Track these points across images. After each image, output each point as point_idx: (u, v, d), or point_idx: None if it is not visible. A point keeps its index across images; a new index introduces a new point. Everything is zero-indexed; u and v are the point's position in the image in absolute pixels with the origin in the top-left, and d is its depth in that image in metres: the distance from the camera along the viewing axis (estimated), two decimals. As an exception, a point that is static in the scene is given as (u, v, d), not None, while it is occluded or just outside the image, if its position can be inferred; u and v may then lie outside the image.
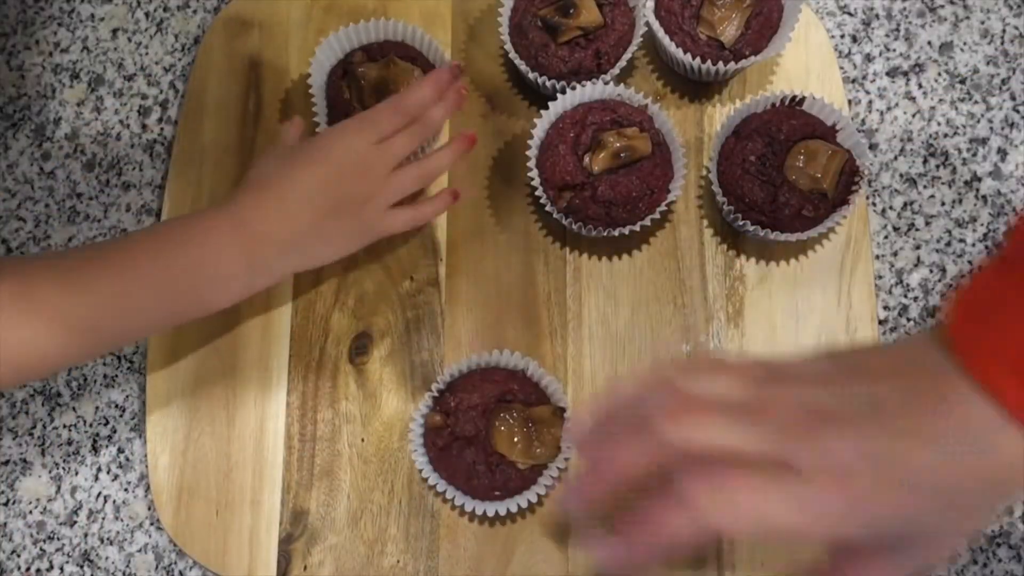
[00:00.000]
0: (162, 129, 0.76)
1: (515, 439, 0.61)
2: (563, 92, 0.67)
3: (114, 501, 0.68)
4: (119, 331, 0.59)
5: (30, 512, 0.68)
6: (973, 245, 0.69)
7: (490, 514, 0.61)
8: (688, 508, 0.38)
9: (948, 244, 0.69)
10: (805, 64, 0.72)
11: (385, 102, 0.63)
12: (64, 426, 0.70)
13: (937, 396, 0.38)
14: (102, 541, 0.67)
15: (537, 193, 0.66)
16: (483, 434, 0.61)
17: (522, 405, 0.62)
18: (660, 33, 0.68)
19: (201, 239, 0.59)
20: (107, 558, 0.67)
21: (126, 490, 0.68)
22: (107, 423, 0.70)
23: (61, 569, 0.67)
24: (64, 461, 0.69)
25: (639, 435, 0.40)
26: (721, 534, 0.41)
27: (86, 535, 0.68)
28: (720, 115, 0.71)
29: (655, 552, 0.40)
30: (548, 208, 0.66)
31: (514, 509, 0.61)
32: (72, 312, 0.55)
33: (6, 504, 0.68)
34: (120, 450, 0.69)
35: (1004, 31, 0.73)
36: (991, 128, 0.71)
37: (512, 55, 0.69)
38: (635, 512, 0.39)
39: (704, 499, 0.38)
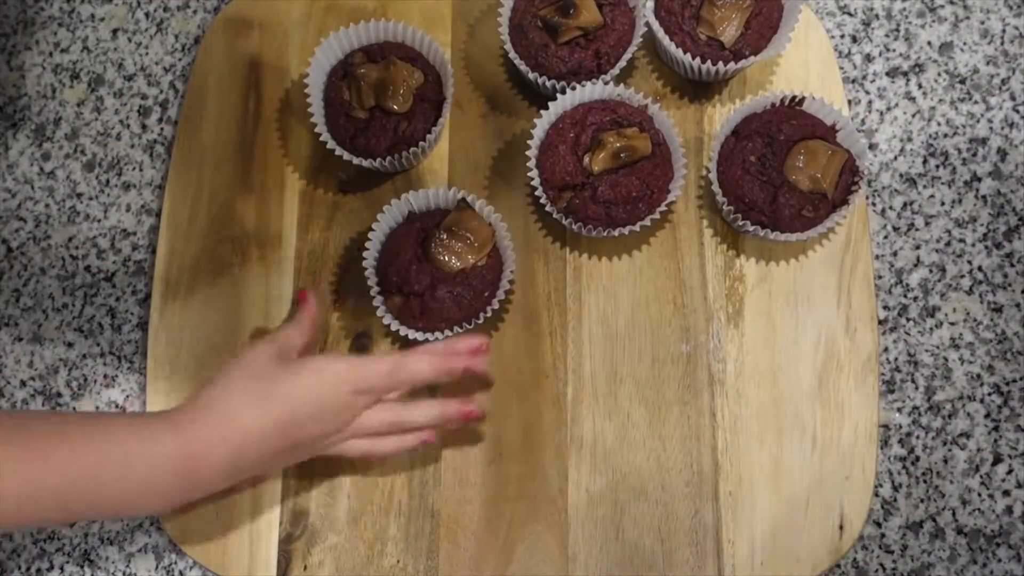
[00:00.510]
0: (162, 129, 0.76)
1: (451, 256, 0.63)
2: (563, 92, 0.67)
3: (114, 501, 0.68)
4: (31, 509, 0.51)
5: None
6: (973, 245, 0.69)
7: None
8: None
9: (948, 244, 0.69)
10: (805, 64, 0.72)
11: (386, 362, 0.59)
12: (64, 426, 0.70)
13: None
14: (102, 541, 0.67)
15: (537, 193, 0.66)
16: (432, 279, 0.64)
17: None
18: (660, 33, 0.68)
19: (138, 444, 0.53)
20: (107, 558, 0.67)
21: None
22: (107, 423, 0.70)
23: (61, 569, 0.67)
24: (64, 461, 0.69)
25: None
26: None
27: (86, 535, 0.68)
28: (720, 115, 0.71)
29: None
30: (548, 208, 0.66)
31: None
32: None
33: (6, 504, 0.68)
34: (120, 450, 0.69)
35: (1004, 31, 0.73)
36: (991, 128, 0.71)
37: (512, 55, 0.69)
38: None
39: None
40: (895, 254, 0.69)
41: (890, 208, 0.70)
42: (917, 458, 0.65)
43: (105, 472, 0.52)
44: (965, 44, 0.73)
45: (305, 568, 0.65)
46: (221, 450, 0.54)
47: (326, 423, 0.58)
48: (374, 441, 0.61)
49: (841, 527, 0.63)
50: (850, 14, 0.74)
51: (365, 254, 0.65)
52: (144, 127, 0.76)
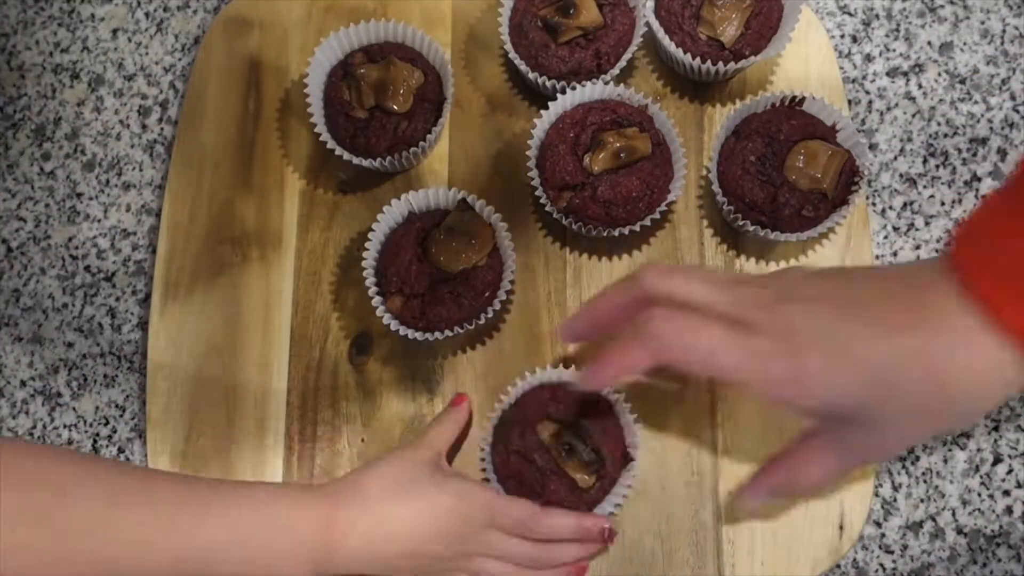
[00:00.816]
0: (162, 129, 0.76)
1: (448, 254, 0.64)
2: (563, 92, 0.67)
3: (114, 501, 0.68)
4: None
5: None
6: (973, 245, 0.69)
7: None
8: (651, 341, 0.47)
9: (948, 244, 0.69)
10: (805, 64, 0.72)
11: (525, 508, 0.58)
12: (64, 426, 0.70)
13: (919, 301, 0.40)
14: (102, 541, 0.67)
15: (537, 193, 0.66)
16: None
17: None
18: (660, 33, 0.68)
19: (290, 510, 0.53)
20: (107, 558, 0.67)
21: None
22: (107, 423, 0.70)
23: None
24: (64, 461, 0.69)
25: (628, 285, 0.50)
26: (673, 366, 0.47)
27: (86, 535, 0.67)
28: (720, 115, 0.71)
29: (618, 374, 0.50)
30: (548, 208, 0.66)
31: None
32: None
33: (6, 504, 0.68)
34: (120, 450, 0.69)
35: (1004, 31, 0.73)
36: (991, 128, 0.71)
37: (512, 55, 0.69)
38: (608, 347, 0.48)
39: (667, 334, 0.46)
40: (895, 254, 0.69)
41: (890, 208, 0.70)
42: (917, 458, 0.65)
43: (255, 536, 0.52)
44: (965, 44, 0.73)
45: (305, 568, 0.65)
46: (359, 533, 0.55)
47: (449, 546, 0.57)
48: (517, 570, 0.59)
49: (841, 527, 0.63)
50: (850, 14, 0.74)
51: (365, 254, 0.65)
52: (144, 127, 0.76)
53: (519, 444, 0.61)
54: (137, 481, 0.51)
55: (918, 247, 0.69)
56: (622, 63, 0.68)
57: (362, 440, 0.67)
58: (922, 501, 0.65)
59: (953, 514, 0.64)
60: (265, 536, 0.52)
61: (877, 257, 0.69)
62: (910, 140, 0.71)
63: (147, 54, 0.78)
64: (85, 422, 0.70)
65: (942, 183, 0.70)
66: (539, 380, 0.63)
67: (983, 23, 0.73)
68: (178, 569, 0.50)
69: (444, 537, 0.57)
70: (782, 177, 0.64)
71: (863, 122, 0.72)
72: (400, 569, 0.57)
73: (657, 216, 0.65)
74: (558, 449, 0.60)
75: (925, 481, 0.65)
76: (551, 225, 0.70)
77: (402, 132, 0.68)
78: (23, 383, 0.71)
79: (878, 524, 0.64)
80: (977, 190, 0.70)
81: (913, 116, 0.72)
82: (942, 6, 0.74)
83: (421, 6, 0.75)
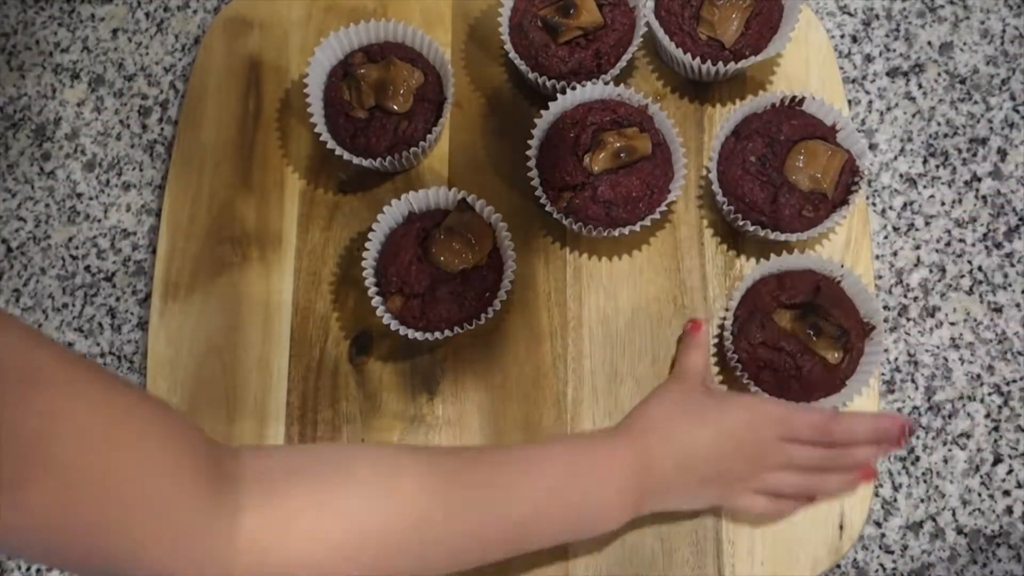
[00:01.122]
0: (162, 129, 0.76)
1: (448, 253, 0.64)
2: (563, 92, 0.67)
3: (114, 501, 0.68)
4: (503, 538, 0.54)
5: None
6: (973, 245, 0.69)
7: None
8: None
9: (948, 244, 0.69)
10: (805, 64, 0.72)
11: (821, 414, 0.58)
12: (64, 426, 0.70)
13: None
14: (102, 541, 0.67)
15: (537, 193, 0.66)
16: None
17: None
18: (660, 33, 0.68)
19: (606, 456, 0.56)
20: (107, 558, 0.67)
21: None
22: (107, 423, 0.70)
23: (61, 569, 0.67)
24: (64, 461, 0.69)
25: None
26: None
27: (86, 535, 0.67)
28: (720, 115, 0.71)
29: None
30: (548, 208, 0.66)
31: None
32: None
33: (6, 504, 0.68)
34: (120, 450, 0.69)
35: (1004, 31, 0.73)
36: (991, 128, 0.71)
37: (512, 55, 0.69)
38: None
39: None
40: (895, 254, 0.69)
41: (890, 208, 0.70)
42: (917, 458, 0.65)
43: (574, 485, 0.55)
44: (965, 44, 0.73)
45: (305, 568, 0.64)
46: (669, 465, 0.57)
47: (747, 460, 0.58)
48: (778, 503, 0.60)
49: (841, 527, 0.63)
50: (850, 14, 0.74)
51: (365, 254, 0.65)
52: (144, 127, 0.76)
53: (762, 336, 0.62)
54: (461, 460, 0.54)
55: (918, 247, 0.69)
56: (622, 63, 0.68)
57: (362, 440, 0.67)
58: (922, 501, 0.65)
59: (953, 514, 0.64)
60: (587, 485, 0.55)
61: (877, 257, 0.69)
62: (910, 140, 0.71)
63: (147, 54, 0.78)
64: (85, 422, 0.70)
65: (942, 183, 0.70)
66: (760, 273, 0.64)
67: (983, 23, 0.73)
68: (517, 534, 0.53)
69: (743, 452, 0.57)
70: (782, 177, 0.64)
71: (863, 122, 0.72)
72: (706, 493, 0.59)
73: (657, 216, 0.65)
74: (804, 332, 0.61)
75: (925, 481, 0.65)
76: (551, 225, 0.70)
77: (402, 132, 0.68)
78: (23, 383, 0.71)
79: (878, 524, 0.64)
80: (977, 190, 0.70)
81: (913, 116, 0.72)
82: (942, 6, 0.74)
83: (421, 6, 0.75)
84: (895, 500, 0.65)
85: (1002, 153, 0.71)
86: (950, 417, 0.66)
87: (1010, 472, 0.65)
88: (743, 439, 0.57)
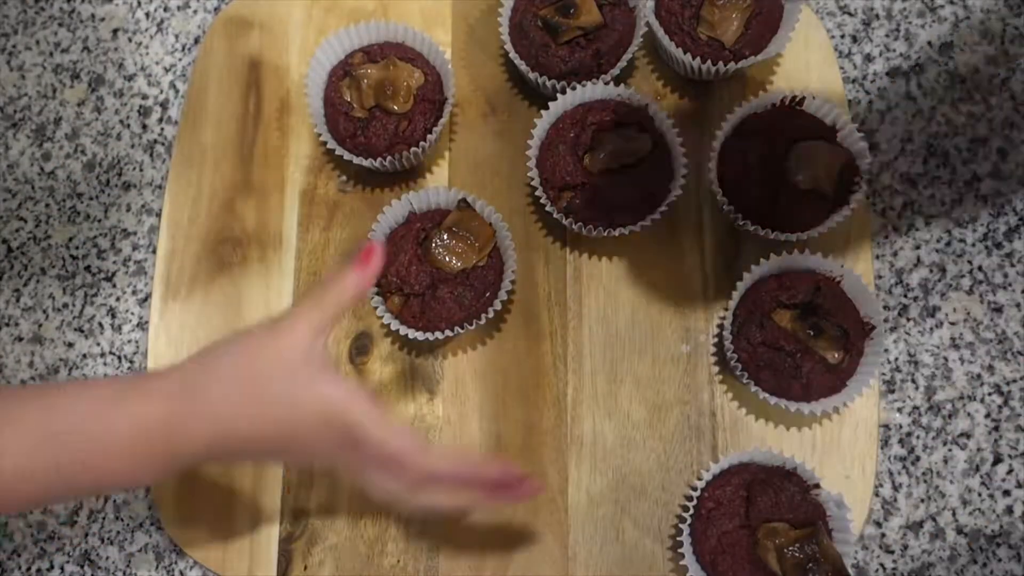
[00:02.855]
0: (162, 129, 0.76)
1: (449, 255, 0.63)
2: (563, 92, 0.67)
3: (114, 501, 0.68)
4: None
5: (31, 512, 0.68)
6: (973, 245, 0.69)
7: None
8: None
9: (948, 244, 0.69)
10: (805, 64, 0.72)
11: (403, 441, 0.50)
12: (64, 426, 0.70)
13: None
14: (102, 541, 0.67)
15: (537, 193, 0.66)
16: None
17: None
18: (660, 33, 0.68)
19: (115, 406, 0.48)
20: (107, 558, 0.67)
21: (126, 490, 0.68)
22: (107, 423, 0.70)
23: (61, 569, 0.67)
24: (64, 461, 0.69)
25: None
26: None
27: (86, 535, 0.68)
28: (720, 115, 0.71)
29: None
30: (548, 208, 0.66)
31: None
32: None
33: (6, 504, 0.68)
34: (120, 450, 0.69)
35: (1004, 31, 0.73)
36: (991, 128, 0.71)
37: (512, 55, 0.69)
38: None
39: None
40: (895, 254, 0.69)
41: (890, 208, 0.70)
42: (917, 458, 0.65)
43: (88, 429, 0.47)
44: (965, 44, 0.73)
45: (305, 568, 0.65)
46: (202, 435, 0.48)
47: (304, 460, 0.52)
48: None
49: (841, 527, 0.63)
50: (850, 14, 0.74)
51: None
52: (144, 127, 0.76)
53: (762, 336, 0.62)
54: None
55: (918, 247, 0.69)
56: (622, 63, 0.68)
57: (362, 440, 0.67)
58: (922, 501, 0.65)
59: (953, 514, 0.64)
60: (98, 428, 0.48)
61: (877, 257, 0.69)
62: (910, 140, 0.71)
63: (147, 54, 0.78)
64: (85, 422, 0.70)
65: (942, 183, 0.70)
66: (760, 273, 0.64)
67: (983, 23, 0.73)
68: (32, 478, 0.47)
69: (318, 448, 0.49)
70: (782, 177, 0.64)
71: (863, 122, 0.72)
72: (269, 459, 0.53)
73: (657, 216, 0.65)
74: (804, 332, 0.61)
75: (925, 481, 0.65)
76: (551, 225, 0.70)
77: (402, 132, 0.68)
78: (23, 383, 0.71)
79: (878, 524, 0.64)
80: (977, 190, 0.70)
81: (913, 116, 0.72)
82: (942, 6, 0.74)
83: (421, 6, 0.75)
84: (895, 500, 0.65)
85: (1002, 153, 0.71)
86: (950, 417, 0.66)
87: (1010, 472, 0.65)
88: (303, 443, 0.49)
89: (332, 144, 0.68)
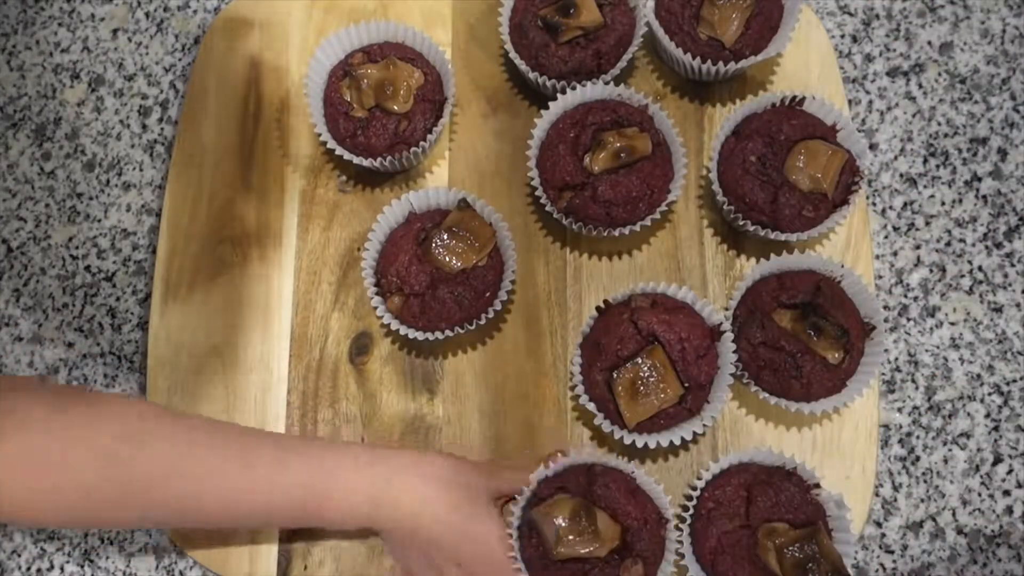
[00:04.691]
0: (162, 129, 0.76)
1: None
2: (563, 92, 0.67)
3: (114, 501, 0.68)
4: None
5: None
6: (973, 245, 0.69)
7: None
8: None
9: (948, 244, 0.69)
10: (805, 64, 0.72)
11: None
12: (64, 426, 0.70)
13: None
14: (102, 541, 0.67)
15: (537, 193, 0.66)
16: None
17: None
18: (660, 33, 0.68)
19: (345, 479, 0.58)
20: (107, 558, 0.67)
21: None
22: (107, 423, 0.70)
23: (61, 569, 0.67)
24: (64, 461, 0.69)
25: None
26: None
27: (86, 535, 0.68)
28: (720, 115, 0.71)
29: None
30: (548, 208, 0.66)
31: None
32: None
33: (6, 504, 0.68)
34: (120, 450, 0.69)
35: (1004, 31, 0.73)
36: (991, 128, 0.71)
37: (512, 55, 0.69)
38: None
39: None
40: (895, 254, 0.69)
41: (890, 208, 0.70)
42: (917, 458, 0.65)
43: (328, 487, 0.58)
44: (965, 44, 0.73)
45: (305, 568, 0.65)
46: (400, 523, 0.58)
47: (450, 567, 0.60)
48: None
49: (841, 527, 0.63)
50: (850, 14, 0.74)
51: (365, 254, 0.65)
52: (144, 127, 0.76)
53: (762, 336, 0.61)
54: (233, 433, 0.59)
55: (918, 247, 0.69)
56: (622, 63, 0.68)
57: (362, 440, 0.67)
58: (922, 501, 0.65)
59: (953, 514, 0.64)
60: (325, 490, 0.58)
61: (877, 257, 0.69)
62: (910, 140, 0.71)
63: (147, 54, 0.78)
64: (85, 422, 0.70)
65: (942, 183, 0.70)
66: (760, 273, 0.64)
67: (983, 23, 0.73)
68: (259, 514, 0.58)
69: (451, 560, 0.59)
70: (782, 177, 0.64)
71: (863, 122, 0.72)
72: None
73: (657, 216, 0.65)
74: (804, 332, 0.61)
75: (925, 481, 0.65)
76: (551, 225, 0.70)
77: (402, 132, 0.68)
78: (23, 383, 0.71)
79: (878, 524, 0.64)
80: (977, 190, 0.70)
81: (913, 116, 0.72)
82: (942, 6, 0.74)
83: (421, 6, 0.75)
84: (895, 500, 0.65)
85: (1002, 153, 0.71)
86: (950, 417, 0.66)
87: (1010, 472, 0.65)
88: (472, 555, 0.58)
89: (332, 144, 0.68)
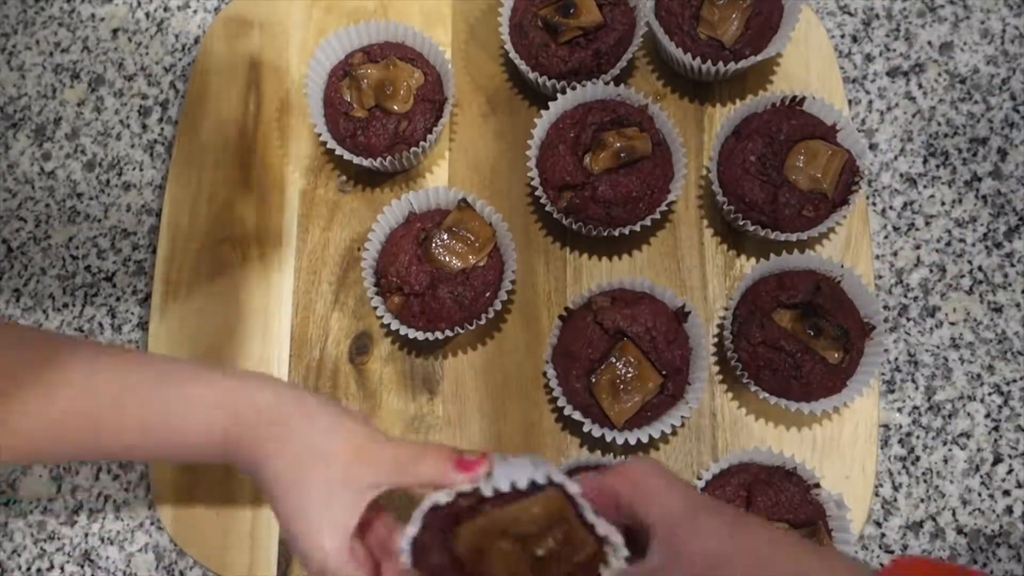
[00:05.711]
0: (162, 129, 0.76)
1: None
2: (563, 92, 0.67)
3: (114, 501, 0.68)
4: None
5: (31, 512, 0.68)
6: (973, 245, 0.69)
7: None
8: None
9: (948, 244, 0.69)
10: (805, 64, 0.72)
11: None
12: (64, 426, 0.70)
13: None
14: (102, 541, 0.67)
15: (537, 193, 0.67)
16: None
17: None
18: (660, 33, 0.68)
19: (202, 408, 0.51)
20: (107, 558, 0.67)
21: (126, 490, 0.68)
22: (107, 423, 0.70)
23: (61, 569, 0.67)
24: (64, 461, 0.69)
25: None
26: None
27: (86, 535, 0.68)
28: (720, 115, 0.71)
29: None
30: (548, 208, 0.66)
31: None
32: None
33: (7, 504, 0.68)
34: (120, 450, 0.69)
35: (1004, 31, 0.73)
36: (991, 128, 0.71)
37: (512, 55, 0.69)
38: None
39: None
40: (895, 254, 0.69)
41: (890, 208, 0.70)
42: (917, 458, 0.65)
43: (171, 411, 0.51)
44: (965, 44, 0.73)
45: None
46: (263, 476, 0.52)
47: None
48: None
49: (841, 527, 0.63)
50: (850, 14, 0.74)
51: (365, 254, 0.65)
52: (144, 127, 0.76)
53: (762, 336, 0.61)
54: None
55: (918, 247, 0.69)
56: (622, 63, 0.68)
57: (362, 440, 0.67)
58: (922, 501, 0.65)
59: (953, 514, 0.64)
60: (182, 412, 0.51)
61: (877, 257, 0.69)
62: (910, 140, 0.71)
63: (147, 54, 0.78)
64: (85, 422, 0.70)
65: (942, 183, 0.70)
66: (760, 273, 0.64)
67: (983, 23, 0.73)
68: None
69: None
70: (782, 177, 0.64)
71: (863, 122, 0.72)
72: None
73: (657, 216, 0.65)
74: (804, 331, 0.61)
75: (925, 481, 0.65)
76: (551, 225, 0.70)
77: (402, 132, 0.68)
78: (23, 383, 0.71)
79: (878, 524, 0.64)
80: (977, 190, 0.70)
81: (913, 116, 0.72)
82: (942, 6, 0.74)
83: (421, 6, 0.75)
84: (895, 500, 0.65)
85: (1002, 153, 0.71)
86: (950, 417, 0.66)
87: (1010, 472, 0.65)
88: (318, 541, 0.50)
89: (332, 144, 0.68)
